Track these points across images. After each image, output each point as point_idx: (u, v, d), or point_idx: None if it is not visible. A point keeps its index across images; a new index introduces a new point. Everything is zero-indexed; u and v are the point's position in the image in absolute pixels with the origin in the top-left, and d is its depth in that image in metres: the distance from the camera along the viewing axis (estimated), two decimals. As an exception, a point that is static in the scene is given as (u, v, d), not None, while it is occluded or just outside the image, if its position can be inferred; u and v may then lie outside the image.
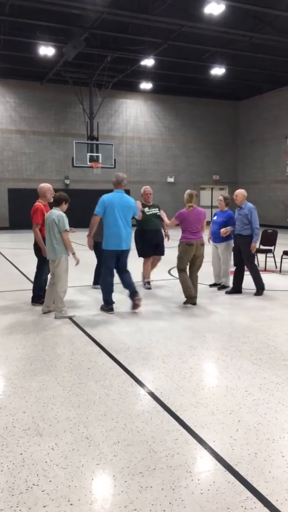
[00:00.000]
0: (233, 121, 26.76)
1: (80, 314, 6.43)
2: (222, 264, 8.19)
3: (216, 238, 8.13)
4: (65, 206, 6.37)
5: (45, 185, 6.99)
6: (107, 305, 6.59)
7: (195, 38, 16.36)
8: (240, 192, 7.85)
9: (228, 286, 8.13)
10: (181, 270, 6.96)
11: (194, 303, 6.93)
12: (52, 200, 6.74)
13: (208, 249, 7.88)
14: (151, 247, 8.11)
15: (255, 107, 25.31)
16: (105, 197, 6.53)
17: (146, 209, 8.08)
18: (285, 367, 4.45)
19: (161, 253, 8.29)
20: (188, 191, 7.21)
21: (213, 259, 8.41)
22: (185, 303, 6.90)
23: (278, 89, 23.32)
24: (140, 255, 8.19)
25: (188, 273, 7.02)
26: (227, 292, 7.88)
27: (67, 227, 6.18)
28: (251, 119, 25.71)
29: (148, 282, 8.21)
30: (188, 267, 7.03)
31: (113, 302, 6.64)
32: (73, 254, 6.19)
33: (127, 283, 6.58)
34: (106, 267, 6.56)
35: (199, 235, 6.95)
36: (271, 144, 24.27)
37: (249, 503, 2.50)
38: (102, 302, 6.68)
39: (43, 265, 6.84)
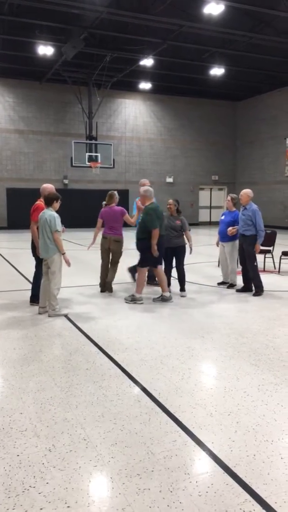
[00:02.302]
0: (232, 122, 26.76)
1: (79, 315, 6.40)
2: (229, 263, 8.24)
3: (224, 237, 8.24)
4: (57, 205, 6.42)
5: (48, 186, 6.94)
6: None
7: (194, 38, 16.35)
8: (245, 192, 7.86)
9: (235, 284, 8.21)
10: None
11: (103, 291, 7.80)
12: None
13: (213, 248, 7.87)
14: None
15: (254, 107, 25.30)
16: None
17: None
18: (283, 368, 4.44)
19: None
20: (109, 192, 7.94)
21: (221, 258, 8.60)
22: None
23: (277, 89, 23.31)
24: (156, 263, 7.21)
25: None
26: (237, 291, 7.96)
27: (58, 227, 6.22)
28: (250, 120, 25.70)
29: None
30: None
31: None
32: (63, 254, 6.25)
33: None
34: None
35: (114, 232, 7.67)
36: (270, 145, 24.26)
37: (248, 505, 2.48)
38: (104, 304, 6.65)
39: (41, 265, 6.82)
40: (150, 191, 7.20)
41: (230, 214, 8.28)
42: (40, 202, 6.80)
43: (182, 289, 7.64)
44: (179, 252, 7.58)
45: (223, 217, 8.41)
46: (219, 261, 9.24)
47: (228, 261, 8.26)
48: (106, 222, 7.75)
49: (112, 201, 7.80)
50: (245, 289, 7.90)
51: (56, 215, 6.28)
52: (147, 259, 7.07)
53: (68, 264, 6.33)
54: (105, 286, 7.80)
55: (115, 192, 7.94)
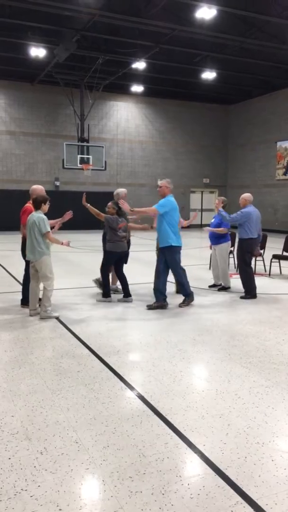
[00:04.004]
0: (223, 125, 26.90)
1: (70, 317, 6.39)
2: (220, 265, 8.30)
3: (213, 240, 8.34)
4: (46, 207, 6.40)
5: (37, 188, 6.88)
6: (190, 296, 7.17)
7: (186, 42, 16.43)
8: (242, 196, 7.98)
9: (228, 287, 8.25)
10: None
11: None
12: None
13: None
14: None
15: (246, 111, 25.47)
16: (170, 199, 7.05)
17: None
18: (274, 371, 4.47)
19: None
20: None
21: (212, 260, 8.71)
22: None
23: (268, 94, 23.51)
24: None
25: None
26: (241, 297, 7.75)
27: (48, 228, 6.23)
28: (241, 123, 25.86)
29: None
30: None
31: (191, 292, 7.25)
32: (62, 243, 6.29)
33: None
34: (178, 262, 7.10)
35: None
36: (261, 149, 24.43)
37: (239, 507, 2.49)
38: (96, 306, 6.64)
39: (27, 270, 6.82)
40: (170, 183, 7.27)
41: (218, 216, 8.25)
42: (29, 204, 6.75)
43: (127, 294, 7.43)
44: (125, 257, 7.56)
45: (212, 220, 8.51)
46: (210, 264, 9.29)
47: (218, 263, 8.32)
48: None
49: None
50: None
51: (44, 217, 6.25)
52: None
53: (68, 243, 6.39)
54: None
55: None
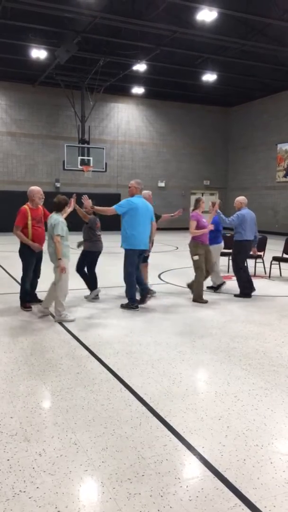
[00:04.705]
0: (224, 127, 26.93)
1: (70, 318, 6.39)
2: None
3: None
4: (68, 210, 6.54)
5: (34, 189, 6.83)
6: (133, 302, 6.95)
7: (187, 44, 16.46)
8: (237, 199, 8.15)
9: (220, 283, 8.37)
10: None
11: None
12: (41, 204, 6.84)
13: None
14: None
15: (246, 113, 25.50)
16: (131, 199, 7.01)
17: None
18: (274, 373, 4.46)
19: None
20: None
21: None
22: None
23: (269, 96, 23.54)
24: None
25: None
26: (235, 295, 8.01)
27: (61, 232, 6.14)
28: (241, 126, 25.89)
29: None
30: None
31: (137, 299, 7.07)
32: (59, 259, 6.10)
33: (140, 280, 7.19)
34: (130, 265, 6.95)
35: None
36: (261, 151, 24.45)
37: (238, 510, 2.49)
38: (95, 308, 6.64)
39: (27, 269, 6.84)
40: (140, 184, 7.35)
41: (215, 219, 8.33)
42: (26, 205, 6.71)
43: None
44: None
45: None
46: None
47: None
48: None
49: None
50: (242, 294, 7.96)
51: (62, 220, 6.27)
52: None
53: (63, 271, 6.10)
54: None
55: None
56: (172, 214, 8.35)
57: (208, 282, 8.74)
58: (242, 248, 7.89)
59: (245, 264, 8.25)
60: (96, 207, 7.16)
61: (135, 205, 6.90)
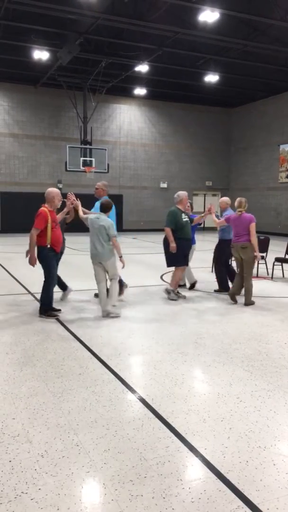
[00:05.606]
0: (226, 128, 26.92)
1: (72, 320, 6.39)
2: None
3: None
4: (109, 212, 6.74)
5: (54, 190, 6.62)
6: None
7: (189, 45, 16.47)
8: (223, 200, 8.52)
9: (190, 283, 8.59)
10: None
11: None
12: (59, 206, 6.74)
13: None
14: (185, 256, 7.86)
15: (248, 114, 25.49)
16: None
17: (183, 215, 7.77)
18: (276, 374, 4.45)
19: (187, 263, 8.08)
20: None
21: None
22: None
23: (271, 97, 23.52)
24: (175, 263, 7.76)
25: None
26: (215, 291, 8.36)
27: (116, 233, 6.56)
28: (244, 126, 25.88)
29: (178, 292, 7.92)
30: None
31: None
32: (120, 257, 6.49)
33: None
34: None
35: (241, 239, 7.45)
36: (263, 151, 24.43)
37: (240, 511, 2.48)
38: (98, 309, 6.64)
39: (51, 272, 6.49)
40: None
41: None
42: (45, 208, 6.43)
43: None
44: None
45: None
46: (213, 267, 9.30)
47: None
48: (234, 229, 7.59)
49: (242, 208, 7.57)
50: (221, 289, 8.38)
51: (111, 221, 6.57)
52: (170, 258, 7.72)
53: (124, 265, 6.56)
54: (233, 296, 7.56)
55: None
56: (203, 215, 8.42)
57: (213, 283, 8.74)
58: (228, 247, 8.14)
59: (229, 263, 8.67)
60: (82, 209, 7.07)
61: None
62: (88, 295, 7.89)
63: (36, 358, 4.82)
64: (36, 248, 6.46)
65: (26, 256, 6.51)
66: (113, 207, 6.94)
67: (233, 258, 8.02)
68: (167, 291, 7.74)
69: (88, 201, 7.87)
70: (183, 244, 7.61)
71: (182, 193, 7.92)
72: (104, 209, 6.61)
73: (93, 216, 6.66)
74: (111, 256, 6.55)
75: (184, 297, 7.81)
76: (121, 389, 4.06)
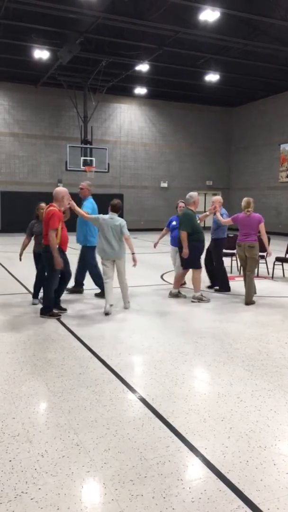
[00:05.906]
0: (226, 127, 26.90)
1: (73, 319, 6.38)
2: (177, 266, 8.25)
3: (175, 242, 8.20)
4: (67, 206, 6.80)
5: (63, 190, 6.54)
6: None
7: (190, 44, 16.44)
8: (217, 199, 8.45)
9: (183, 283, 8.50)
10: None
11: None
12: (68, 206, 6.71)
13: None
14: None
15: (249, 113, 25.46)
16: (91, 199, 7.80)
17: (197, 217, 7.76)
18: (276, 374, 4.44)
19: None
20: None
21: (205, 262, 8.68)
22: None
23: (272, 96, 23.50)
24: (191, 266, 7.63)
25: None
26: (216, 290, 8.45)
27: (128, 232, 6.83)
28: (244, 126, 25.85)
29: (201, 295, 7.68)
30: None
31: None
32: (133, 254, 6.71)
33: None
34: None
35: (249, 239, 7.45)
36: (264, 151, 24.41)
37: (241, 511, 2.48)
38: (98, 308, 6.64)
39: (53, 275, 6.39)
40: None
41: (177, 219, 8.29)
42: (54, 207, 6.31)
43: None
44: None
45: (174, 223, 8.37)
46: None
47: (176, 264, 8.28)
48: (242, 228, 7.56)
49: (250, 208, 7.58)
50: (213, 286, 8.57)
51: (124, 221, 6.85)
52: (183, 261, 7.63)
53: (135, 262, 6.77)
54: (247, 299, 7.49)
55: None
56: (207, 213, 8.52)
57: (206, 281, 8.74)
58: (223, 245, 8.39)
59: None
60: (78, 209, 7.07)
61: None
62: (88, 295, 7.89)
63: (36, 357, 4.82)
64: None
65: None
66: (95, 204, 7.54)
67: (233, 258, 8.04)
68: (197, 298, 7.46)
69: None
70: (199, 246, 7.49)
71: (195, 194, 7.78)
72: (117, 209, 6.80)
73: (106, 216, 6.77)
74: (124, 254, 6.83)
75: (185, 297, 7.80)
76: (122, 389, 4.05)
